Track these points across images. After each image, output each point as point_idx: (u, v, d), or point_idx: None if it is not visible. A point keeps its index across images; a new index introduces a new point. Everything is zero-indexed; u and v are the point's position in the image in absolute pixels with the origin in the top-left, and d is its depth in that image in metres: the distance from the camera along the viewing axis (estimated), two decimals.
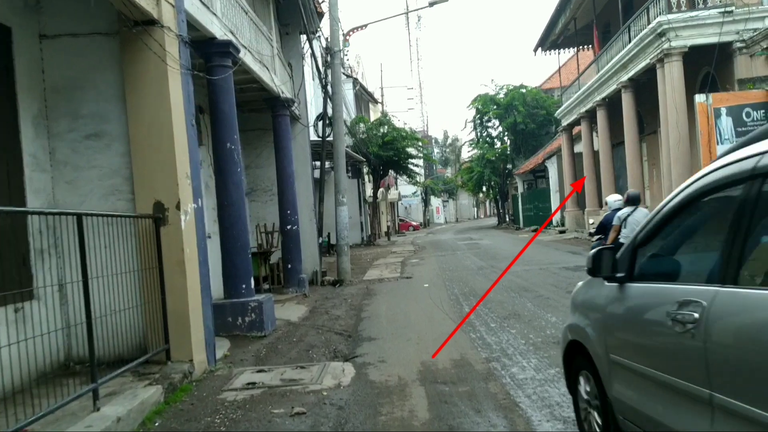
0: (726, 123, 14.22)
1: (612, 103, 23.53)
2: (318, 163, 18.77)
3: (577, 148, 32.35)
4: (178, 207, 6.08)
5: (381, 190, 44.00)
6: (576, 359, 3.98)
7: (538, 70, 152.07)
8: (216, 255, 8.98)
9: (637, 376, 3.09)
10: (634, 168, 20.38)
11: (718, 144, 14.29)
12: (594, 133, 27.02)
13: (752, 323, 2.23)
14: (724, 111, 14.22)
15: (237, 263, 8.59)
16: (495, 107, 49.17)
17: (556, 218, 33.74)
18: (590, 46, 31.00)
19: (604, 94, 22.92)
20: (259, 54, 10.94)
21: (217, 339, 8.13)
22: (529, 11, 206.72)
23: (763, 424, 2.07)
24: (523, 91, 47.74)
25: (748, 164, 2.50)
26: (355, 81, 35.36)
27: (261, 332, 8.35)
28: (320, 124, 16.53)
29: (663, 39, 16.25)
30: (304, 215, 15.11)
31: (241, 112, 15.46)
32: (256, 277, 13.69)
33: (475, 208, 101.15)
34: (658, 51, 16.57)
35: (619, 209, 9.29)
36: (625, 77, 20.06)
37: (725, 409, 2.32)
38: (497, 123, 50.24)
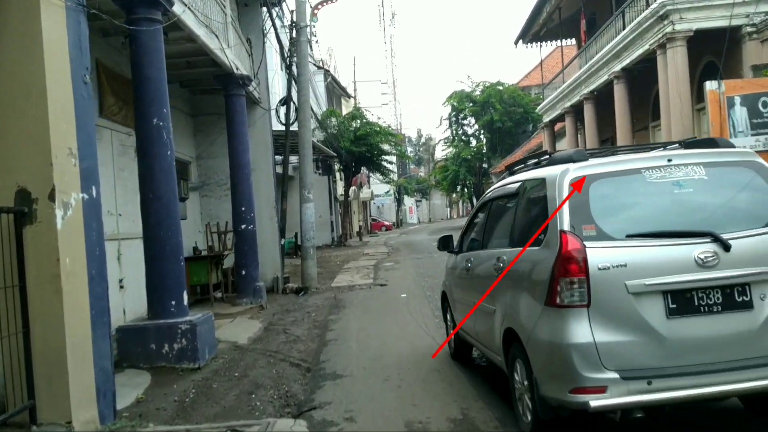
0: (740, 113, 12.68)
1: (601, 97, 22.00)
2: (281, 157, 16.82)
3: (559, 146, 30.94)
4: (52, 197, 4.15)
5: (353, 188, 42.16)
6: (445, 302, 6.90)
7: (515, 68, 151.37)
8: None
9: (462, 304, 5.88)
10: None
11: (731, 137, 12.73)
12: (579, 130, 25.55)
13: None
14: (738, 100, 12.67)
15: (165, 273, 6.65)
16: (471, 104, 47.67)
17: None
18: (574, 39, 29.61)
19: (592, 87, 21.37)
20: (205, 17, 9.00)
21: (135, 373, 6.22)
22: (507, 8, 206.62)
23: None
24: (500, 88, 46.33)
25: (515, 186, 4.77)
26: (327, 73, 33.43)
27: (194, 363, 6.43)
28: (283, 109, 14.60)
29: (666, 22, 14.68)
30: (263, 213, 13.20)
31: (192, 94, 13.51)
32: (205, 285, 11.80)
33: (449, 208, 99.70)
34: (660, 35, 15.01)
35: None
36: (617, 67, 18.50)
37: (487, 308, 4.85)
38: (473, 121, 48.81)
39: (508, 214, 4.93)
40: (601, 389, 3.42)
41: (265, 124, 13.25)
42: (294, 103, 14.24)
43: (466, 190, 56.78)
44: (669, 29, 14.56)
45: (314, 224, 13.79)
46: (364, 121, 31.72)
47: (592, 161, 4.00)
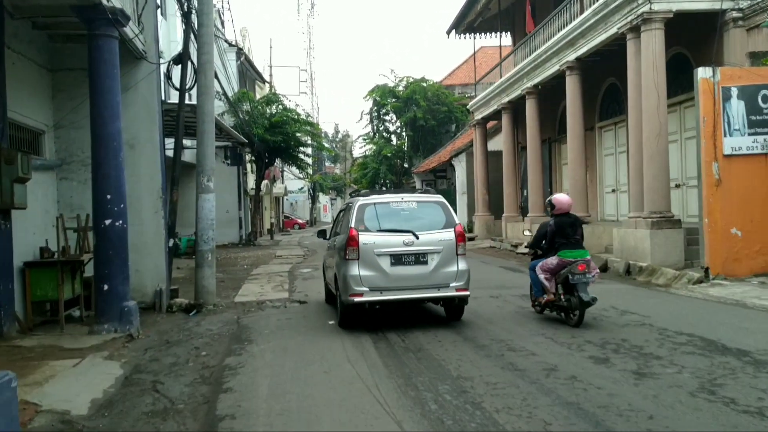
0: (737, 108, 10.72)
1: (546, 91, 20.04)
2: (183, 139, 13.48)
3: (492, 145, 28.99)
4: None
5: (265, 182, 38.72)
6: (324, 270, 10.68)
7: (439, 66, 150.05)
8: None
9: (327, 267, 9.90)
10: (577, 168, 16.80)
11: (725, 136, 10.75)
12: (517, 128, 23.56)
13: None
14: (735, 92, 10.71)
15: None
16: (394, 100, 45.33)
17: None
18: (509, 33, 27.73)
19: (537, 80, 19.31)
20: None
21: None
22: (430, 5, 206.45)
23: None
24: (425, 85, 44.28)
25: (346, 204, 9.76)
26: (240, 51, 29.96)
27: None
28: (178, 71, 11.33)
29: (641, 1, 12.61)
30: (144, 205, 9.98)
31: (51, 40, 10.01)
32: (56, 302, 8.49)
33: None
34: (632, 17, 12.93)
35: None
36: (572, 56, 16.43)
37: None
38: (395, 117, 46.51)
39: (342, 218, 9.41)
40: (361, 294, 7.81)
41: (151, 87, 10.00)
42: (192, 63, 11.04)
43: (385, 189, 54.47)
44: (645, 8, 12.49)
45: (214, 221, 10.65)
46: (281, 107, 28.51)
47: (370, 197, 8.65)
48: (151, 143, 10.03)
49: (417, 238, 7.92)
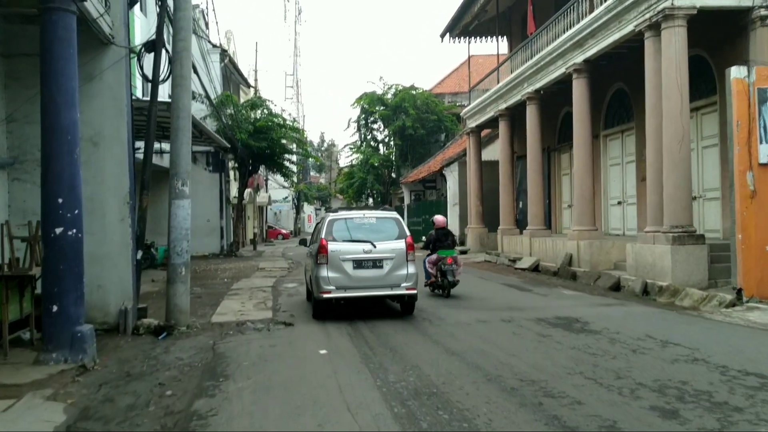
0: None
1: (546, 97, 19.02)
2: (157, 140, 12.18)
3: (487, 154, 27.95)
4: None
5: (249, 190, 37.38)
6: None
7: (428, 75, 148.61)
8: None
9: (307, 270, 11.70)
10: (584, 177, 15.72)
11: (761, 142, 9.70)
12: (515, 134, 22.51)
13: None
14: None
15: None
16: (382, 108, 44.29)
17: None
18: (506, 36, 26.76)
19: (539, 84, 18.29)
20: None
21: None
22: (419, 12, 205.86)
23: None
24: (414, 93, 43.28)
25: (322, 217, 11.58)
26: (224, 53, 28.69)
27: None
28: (150, 60, 10.06)
29: None
30: (109, 211, 8.72)
31: (6, 22, 8.80)
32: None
33: None
34: (652, 13, 11.92)
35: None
36: (579, 58, 15.42)
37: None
38: (383, 126, 45.44)
39: (318, 229, 11.18)
40: (329, 291, 9.50)
41: (119, 77, 8.74)
42: (167, 50, 9.80)
43: (372, 200, 53.25)
44: (667, 4, 11.47)
45: (189, 231, 9.38)
46: (266, 112, 27.24)
47: (339, 213, 10.78)
48: (118, 141, 8.76)
49: (374, 246, 9.81)
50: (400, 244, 9.88)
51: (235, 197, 29.76)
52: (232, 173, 31.10)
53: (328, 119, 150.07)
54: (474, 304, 11.11)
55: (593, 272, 14.65)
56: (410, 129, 41.54)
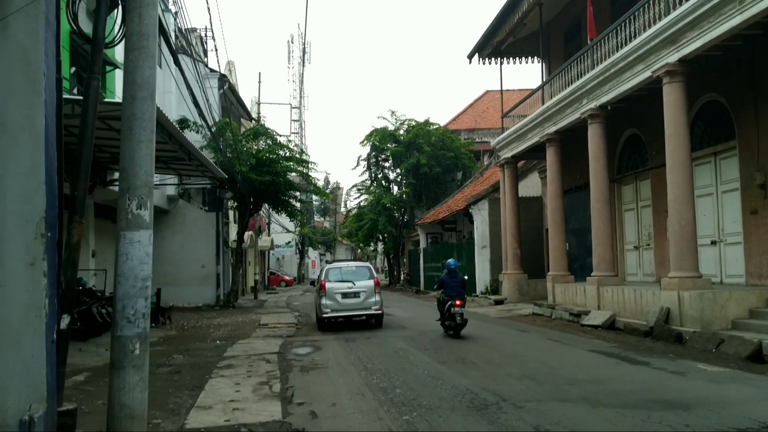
0: None
1: (614, 115, 15.65)
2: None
3: (526, 187, 24.58)
4: None
5: (250, 233, 33.81)
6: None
7: (441, 112, 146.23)
8: None
9: (315, 304, 16.63)
10: (682, 208, 12.17)
11: None
12: (567, 162, 19.03)
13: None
14: None
15: None
16: (395, 144, 41.13)
17: (484, 283, 25.29)
18: (542, 57, 23.59)
19: (605, 98, 14.96)
20: None
21: None
22: (430, 47, 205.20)
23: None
24: (429, 129, 40.15)
25: (322, 268, 18.64)
26: (223, 78, 25.52)
27: None
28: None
29: None
30: (9, 248, 5.11)
31: None
32: None
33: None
34: None
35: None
36: (672, 57, 12.07)
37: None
38: (395, 164, 42.17)
39: (320, 274, 17.03)
40: (327, 313, 15.14)
41: (34, 30, 5.26)
42: None
43: (382, 244, 49.55)
44: None
45: (148, 283, 5.72)
46: (270, 142, 23.87)
47: (334, 264, 17.36)
48: (29, 132, 5.21)
49: (354, 284, 15.33)
50: (371, 282, 15.47)
51: (234, 241, 26.17)
52: (231, 214, 27.61)
53: (333, 161, 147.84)
54: (540, 375, 7.37)
55: (706, 333, 10.96)
56: (425, 167, 38.26)
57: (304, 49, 54.74)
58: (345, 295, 15.08)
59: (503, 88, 24.09)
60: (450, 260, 14.90)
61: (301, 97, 53.57)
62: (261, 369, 9.55)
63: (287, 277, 50.56)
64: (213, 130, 20.77)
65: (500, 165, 23.43)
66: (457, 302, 12.99)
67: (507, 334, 13.50)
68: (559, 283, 18.03)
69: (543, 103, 19.07)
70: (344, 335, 13.94)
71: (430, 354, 10.48)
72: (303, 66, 55.18)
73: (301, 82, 54.70)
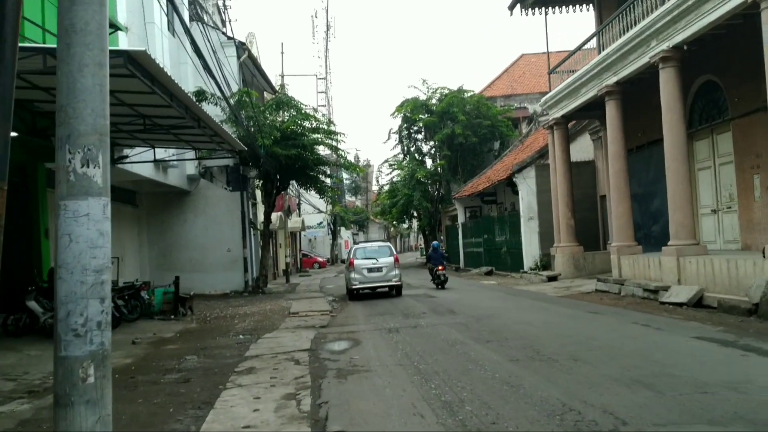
0: None
1: (696, 55, 13.35)
2: None
3: (577, 150, 22.37)
4: None
5: (279, 214, 32.14)
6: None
7: (474, 80, 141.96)
8: None
9: (345, 278, 20.14)
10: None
11: None
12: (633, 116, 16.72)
13: None
14: None
15: None
16: (427, 115, 38.89)
17: (533, 258, 23.17)
18: (585, 5, 21.14)
19: (679, 38, 12.68)
20: None
21: None
22: (461, 14, 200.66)
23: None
24: (463, 96, 37.81)
25: (351, 247, 22.23)
26: (242, 46, 23.65)
27: None
28: None
29: None
30: None
31: None
32: None
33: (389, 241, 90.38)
34: None
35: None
36: None
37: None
38: (428, 136, 39.95)
39: (350, 253, 19.62)
40: (354, 285, 17.97)
41: None
42: None
43: (417, 221, 47.57)
44: None
45: (104, 274, 3.89)
46: (295, 112, 21.97)
47: (360, 244, 21.12)
48: None
49: (377, 260, 18.04)
50: (391, 259, 18.25)
51: (262, 223, 24.48)
52: (259, 195, 25.92)
53: (362, 139, 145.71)
54: (721, 407, 5.35)
55: None
56: (460, 137, 36.05)
57: (328, 10, 52.56)
58: (370, 270, 18.02)
59: (543, 50, 21.81)
60: (434, 242, 24.17)
61: (326, 64, 51.42)
62: (288, 374, 7.73)
63: (320, 259, 49.01)
64: (231, 101, 18.93)
65: (548, 126, 21.16)
66: (440, 267, 20.26)
67: (578, 318, 11.46)
68: (626, 255, 15.85)
69: (600, 51, 16.77)
70: (385, 323, 12.08)
71: (495, 348, 8.53)
72: (327, 30, 52.96)
73: (326, 49, 52.48)
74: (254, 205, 26.10)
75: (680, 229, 13.32)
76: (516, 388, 6.12)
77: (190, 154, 19.13)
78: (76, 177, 3.76)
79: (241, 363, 8.69)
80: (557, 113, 20.18)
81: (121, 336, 11.68)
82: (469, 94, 38.24)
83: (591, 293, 15.82)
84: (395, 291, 18.40)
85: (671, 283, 13.12)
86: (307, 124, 22.09)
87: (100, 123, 3.86)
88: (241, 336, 11.45)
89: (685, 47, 12.98)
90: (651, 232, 17.89)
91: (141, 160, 15.59)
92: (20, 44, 4.52)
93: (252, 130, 20.23)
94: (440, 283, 19.95)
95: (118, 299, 12.79)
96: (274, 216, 30.45)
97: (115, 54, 7.56)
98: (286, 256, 34.64)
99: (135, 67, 8.32)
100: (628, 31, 14.74)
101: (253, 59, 25.03)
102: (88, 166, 3.79)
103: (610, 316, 11.31)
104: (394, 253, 18.80)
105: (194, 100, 17.33)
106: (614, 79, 15.92)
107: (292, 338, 10.78)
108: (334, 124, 24.06)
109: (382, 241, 27.11)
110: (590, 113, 20.39)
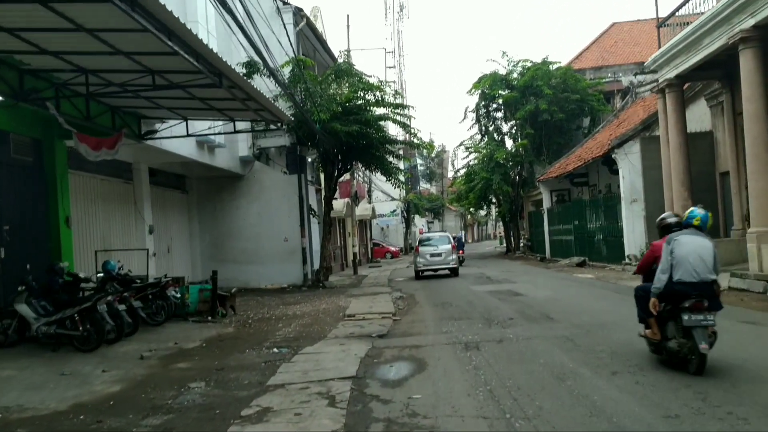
0: None
1: None
2: None
3: (692, 116, 18.72)
4: None
5: (345, 200, 29.75)
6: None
7: (559, 53, 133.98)
8: None
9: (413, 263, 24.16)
10: None
11: None
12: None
13: None
14: None
15: None
16: (507, 91, 35.48)
17: (637, 246, 19.65)
18: None
19: None
20: None
21: None
22: None
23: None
24: (549, 69, 34.13)
25: (418, 237, 31.02)
26: (300, 12, 21.21)
27: None
28: None
29: None
30: None
31: None
32: None
33: (463, 231, 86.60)
34: None
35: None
36: None
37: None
38: (509, 114, 36.48)
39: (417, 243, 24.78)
40: (420, 267, 22.48)
41: None
42: None
43: (496, 207, 44.19)
44: None
45: None
46: (357, 78, 19.32)
47: (425, 234, 29.25)
48: None
49: (437, 248, 22.16)
50: (448, 246, 22.42)
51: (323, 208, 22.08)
52: (321, 177, 23.55)
53: (437, 124, 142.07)
54: None
55: None
56: (545, 113, 32.48)
57: None
58: (432, 255, 22.13)
59: (636, 17, 18.13)
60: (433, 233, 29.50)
61: (399, 45, 48.66)
62: (313, 425, 5.11)
63: (392, 248, 46.44)
64: (288, 77, 16.51)
65: (659, 90, 17.60)
66: (461, 252, 28.16)
67: (734, 331, 8.25)
68: (766, 243, 12.35)
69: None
70: (461, 333, 9.28)
71: (629, 387, 5.59)
72: (401, 10, 50.21)
73: (397, 30, 49.67)
74: (319, 191, 23.79)
75: None
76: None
77: (225, 122, 16.81)
78: None
79: (255, 399, 6.14)
80: (670, 73, 16.60)
81: (132, 347, 9.45)
82: (555, 66, 34.55)
83: (725, 291, 12.38)
84: (451, 272, 22.63)
85: None
86: (371, 97, 19.40)
87: None
88: (275, 349, 8.94)
89: None
90: None
91: (172, 135, 13.37)
92: None
93: (307, 104, 17.75)
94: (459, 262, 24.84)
95: (136, 299, 10.59)
96: (340, 203, 28.12)
97: None
98: (354, 246, 32.28)
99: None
100: None
101: (313, 28, 22.57)
102: None
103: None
104: (452, 241, 23.42)
105: (242, 73, 15.24)
106: (751, 21, 12.39)
107: (336, 355, 8.16)
108: (402, 96, 21.18)
109: (442, 231, 34.12)
110: (708, 72, 16.79)
